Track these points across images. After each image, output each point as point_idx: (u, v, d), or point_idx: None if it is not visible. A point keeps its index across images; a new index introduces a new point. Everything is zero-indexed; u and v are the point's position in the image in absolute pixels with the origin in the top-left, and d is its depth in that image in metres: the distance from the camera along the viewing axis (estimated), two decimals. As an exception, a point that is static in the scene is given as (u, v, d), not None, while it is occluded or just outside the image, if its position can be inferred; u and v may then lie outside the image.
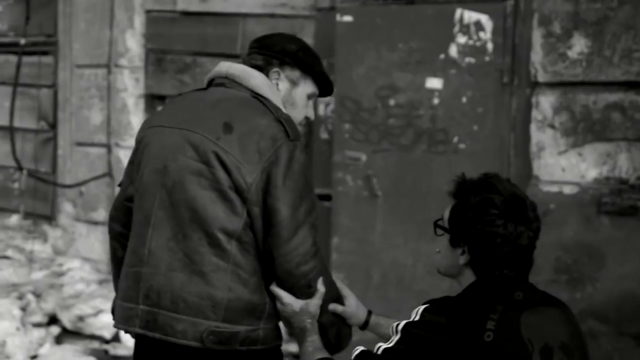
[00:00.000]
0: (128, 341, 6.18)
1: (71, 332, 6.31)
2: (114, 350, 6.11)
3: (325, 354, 2.72)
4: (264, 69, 2.96)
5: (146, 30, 7.02)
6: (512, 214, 2.43)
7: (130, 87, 7.11)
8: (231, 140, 2.76)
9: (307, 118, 3.06)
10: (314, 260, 2.76)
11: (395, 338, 2.45)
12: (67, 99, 7.52)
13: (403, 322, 2.47)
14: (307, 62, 2.98)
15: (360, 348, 2.53)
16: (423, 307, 2.47)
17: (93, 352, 6.04)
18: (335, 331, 2.95)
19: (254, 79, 2.95)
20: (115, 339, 6.24)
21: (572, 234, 5.07)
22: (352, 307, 2.98)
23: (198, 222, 2.76)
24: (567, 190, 5.10)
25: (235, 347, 2.81)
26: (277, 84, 2.97)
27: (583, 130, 5.06)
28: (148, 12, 7.01)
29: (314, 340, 2.79)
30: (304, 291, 2.79)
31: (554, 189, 5.14)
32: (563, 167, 5.12)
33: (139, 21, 7.05)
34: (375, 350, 2.47)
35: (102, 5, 7.21)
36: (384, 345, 2.46)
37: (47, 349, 6.10)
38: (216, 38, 6.64)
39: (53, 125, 7.66)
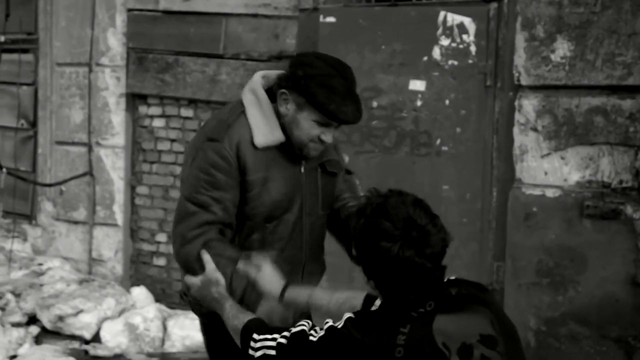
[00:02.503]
0: (108, 341, 6.15)
1: (51, 332, 6.28)
2: (94, 350, 6.08)
3: (250, 315, 2.80)
4: (279, 87, 3.08)
5: (128, 29, 6.99)
6: (398, 239, 2.40)
7: (112, 86, 7.07)
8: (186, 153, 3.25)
9: (321, 141, 3.10)
10: (187, 245, 3.04)
11: (320, 334, 2.51)
12: (48, 97, 7.48)
13: (329, 323, 2.52)
14: (310, 92, 3.00)
15: (302, 326, 2.58)
16: (348, 315, 2.50)
17: (73, 352, 6.01)
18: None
19: (244, 87, 3.17)
20: (95, 339, 6.21)
21: (554, 237, 5.09)
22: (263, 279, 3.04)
23: None
24: (550, 193, 5.11)
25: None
26: (286, 105, 3.07)
27: (566, 133, 5.07)
28: (130, 10, 6.97)
29: (231, 304, 2.89)
30: (192, 270, 3.04)
31: (537, 192, 5.15)
32: (546, 170, 5.13)
33: (120, 20, 7.02)
34: (309, 335, 2.54)
35: (84, 3, 7.17)
36: (313, 336, 2.52)
37: (26, 348, 6.06)
38: (198, 37, 6.62)
39: (33, 124, 7.61)
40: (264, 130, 3.09)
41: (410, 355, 2.35)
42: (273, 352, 2.57)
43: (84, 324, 6.21)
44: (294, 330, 2.57)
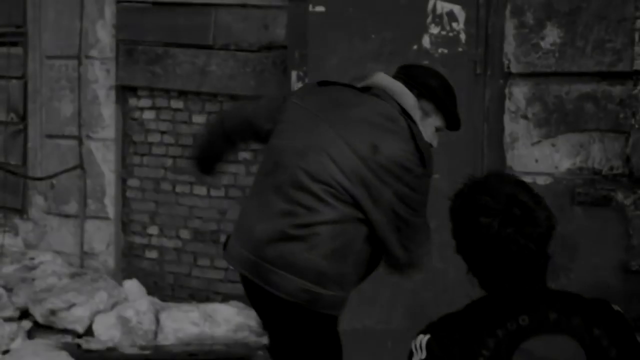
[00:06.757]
0: (101, 335, 6.14)
1: (43, 326, 6.26)
2: (87, 344, 6.07)
3: None
4: None
5: (117, 21, 6.96)
6: (498, 215, 2.19)
7: (101, 79, 7.05)
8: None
9: (431, 146, 3.42)
10: None
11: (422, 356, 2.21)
12: (37, 90, 7.45)
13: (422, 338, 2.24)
14: (443, 100, 3.41)
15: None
16: (425, 339, 2.23)
17: (65, 346, 5.99)
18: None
19: (408, 99, 3.37)
20: (88, 332, 6.20)
21: (545, 225, 5.08)
22: None
23: None
24: (541, 181, 5.10)
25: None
26: None
27: (556, 121, 5.07)
28: (119, 2, 6.95)
29: None
30: None
31: (528, 179, 5.05)
32: (536, 157, 5.13)
33: (109, 11, 6.99)
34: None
35: (72, -5, 7.14)
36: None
37: (18, 343, 6.05)
38: (188, 29, 6.59)
39: (23, 117, 7.57)
40: (429, 135, 3.46)
41: None
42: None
43: (76, 317, 6.19)
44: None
